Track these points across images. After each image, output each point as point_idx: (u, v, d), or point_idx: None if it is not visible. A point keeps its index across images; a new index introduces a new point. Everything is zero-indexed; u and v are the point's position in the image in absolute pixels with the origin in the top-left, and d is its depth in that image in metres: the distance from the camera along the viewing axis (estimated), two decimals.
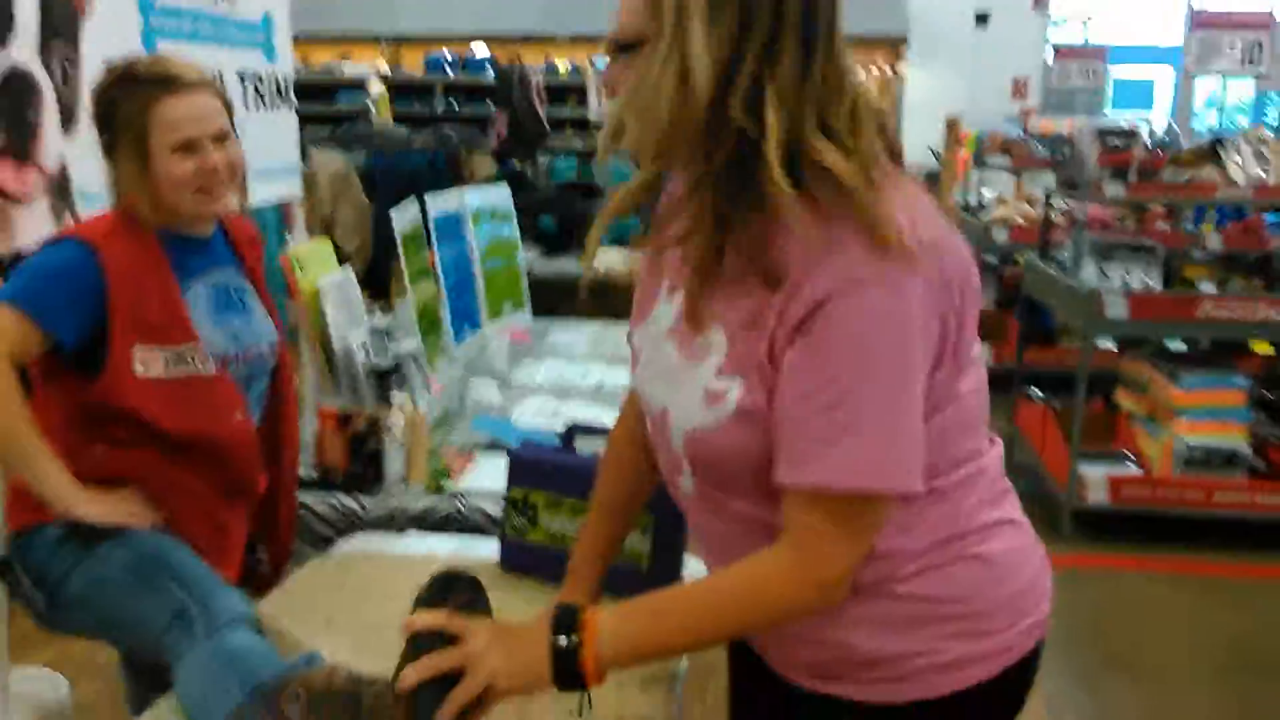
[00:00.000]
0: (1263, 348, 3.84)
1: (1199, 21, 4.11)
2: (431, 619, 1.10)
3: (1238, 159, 4.15)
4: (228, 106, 1.69)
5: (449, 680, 1.06)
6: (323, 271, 2.28)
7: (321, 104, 9.56)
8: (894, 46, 10.66)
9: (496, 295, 3.37)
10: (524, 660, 1.08)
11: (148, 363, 1.57)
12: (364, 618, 1.60)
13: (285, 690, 1.20)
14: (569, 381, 2.93)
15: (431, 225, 3.00)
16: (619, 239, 4.81)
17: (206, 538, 1.63)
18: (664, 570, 1.64)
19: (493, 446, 2.37)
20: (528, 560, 1.73)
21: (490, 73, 10.41)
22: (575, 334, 3.53)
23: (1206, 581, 3.79)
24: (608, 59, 1.13)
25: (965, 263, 1.08)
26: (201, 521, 1.64)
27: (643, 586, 1.36)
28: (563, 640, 1.08)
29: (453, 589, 1.14)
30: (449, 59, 10.38)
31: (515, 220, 3.63)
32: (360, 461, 2.13)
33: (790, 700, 1.25)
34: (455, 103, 10.29)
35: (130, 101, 1.59)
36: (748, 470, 1.10)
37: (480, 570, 1.72)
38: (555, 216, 5.32)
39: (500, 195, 3.55)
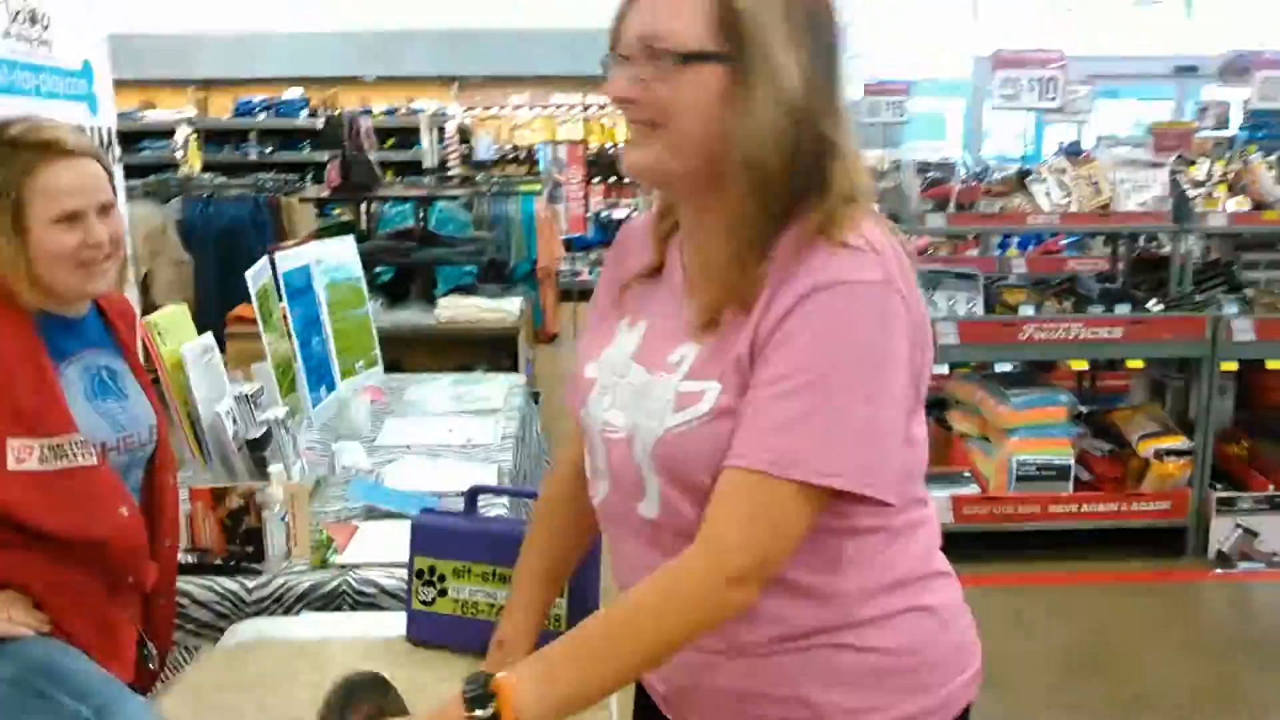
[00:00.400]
0: (1078, 365, 4.12)
1: (1000, 61, 4.40)
2: None
3: (1043, 188, 4.46)
4: (109, 174, 1.59)
5: None
6: (183, 338, 2.17)
7: (125, 153, 9.09)
8: None
9: (348, 352, 3.29)
10: None
11: (22, 456, 1.45)
12: (271, 713, 1.52)
13: None
14: (437, 439, 2.87)
15: (281, 282, 2.91)
16: (461, 287, 4.76)
17: (95, 639, 1.52)
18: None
19: (372, 514, 2.30)
20: (437, 631, 1.68)
21: (304, 115, 10.18)
22: (432, 388, 3.45)
23: (1042, 591, 4.03)
24: (627, 63, 1.10)
25: (925, 315, 1.13)
26: (88, 621, 1.53)
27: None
28: (479, 713, 1.02)
29: (353, 701, 1.08)
30: (259, 103, 10.06)
31: (361, 273, 3.55)
32: (238, 540, 2.03)
33: None
34: (269, 149, 9.98)
35: (4, 167, 1.48)
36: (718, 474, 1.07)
37: (386, 647, 1.70)
38: (393, 266, 5.20)
39: (345, 247, 3.46)
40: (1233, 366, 4.14)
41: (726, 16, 1.06)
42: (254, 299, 2.56)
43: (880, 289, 1.05)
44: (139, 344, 1.74)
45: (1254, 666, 3.48)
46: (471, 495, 1.74)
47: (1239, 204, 4.33)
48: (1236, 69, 8.14)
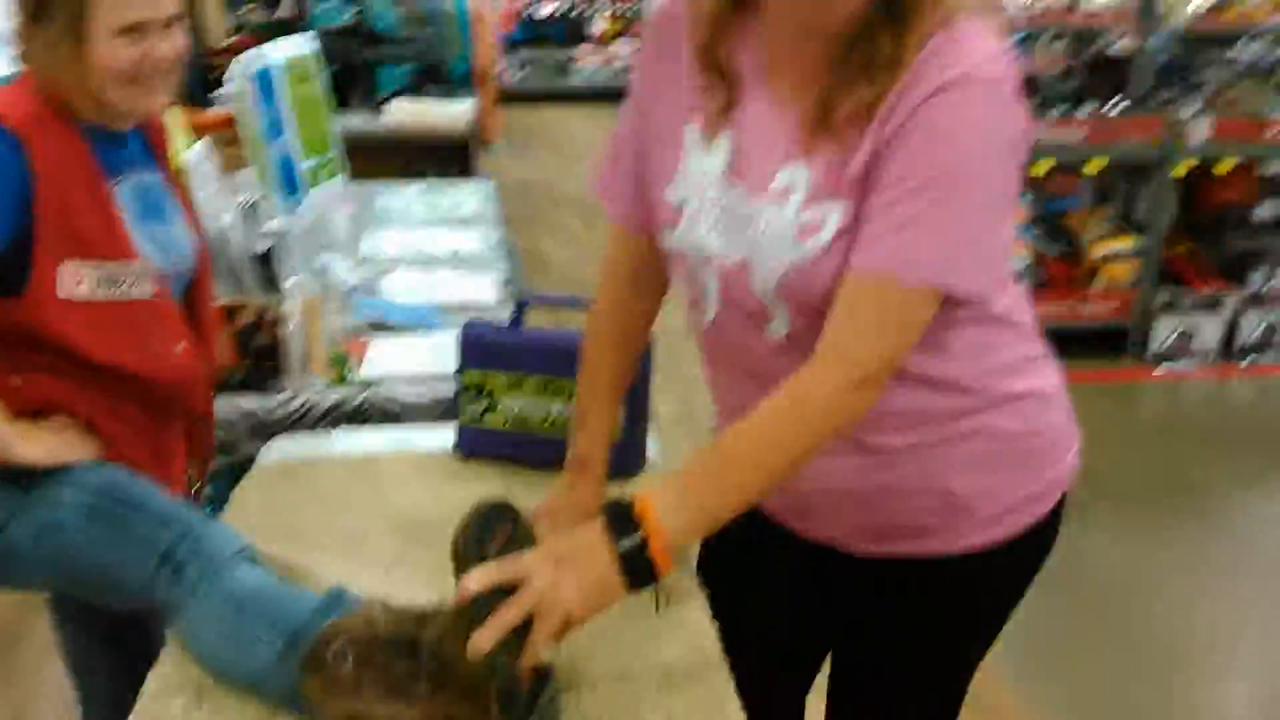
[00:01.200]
0: (1044, 166, 4.14)
1: None
2: (484, 578, 1.01)
3: None
4: None
5: (520, 628, 0.99)
6: (179, 144, 2.03)
7: None
8: None
9: (312, 160, 3.14)
10: (592, 579, 1.02)
11: (75, 282, 1.36)
12: (339, 529, 1.51)
13: (330, 645, 1.09)
14: (423, 250, 2.79)
15: (251, 84, 2.74)
16: (407, 89, 4.56)
17: (149, 464, 1.47)
18: (633, 437, 1.63)
19: (378, 328, 2.25)
20: (488, 446, 1.67)
21: None
22: (401, 197, 3.35)
23: None
24: None
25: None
26: (141, 447, 1.47)
27: (615, 455, 1.42)
28: (626, 543, 1.02)
29: (492, 526, 1.07)
30: None
31: (322, 74, 3.36)
32: (252, 357, 1.98)
33: (829, 572, 1.29)
34: None
35: None
36: None
37: (435, 462, 1.69)
38: (333, 67, 4.91)
39: (305, 46, 3.25)
40: (1184, 168, 4.20)
41: None
42: (234, 104, 2.40)
43: (1003, 90, 1.03)
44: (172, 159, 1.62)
45: (1195, 458, 3.69)
46: (519, 306, 1.70)
47: (1200, 4, 4.30)
48: None
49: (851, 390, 1.04)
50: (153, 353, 1.46)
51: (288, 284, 2.02)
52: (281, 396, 1.93)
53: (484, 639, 0.98)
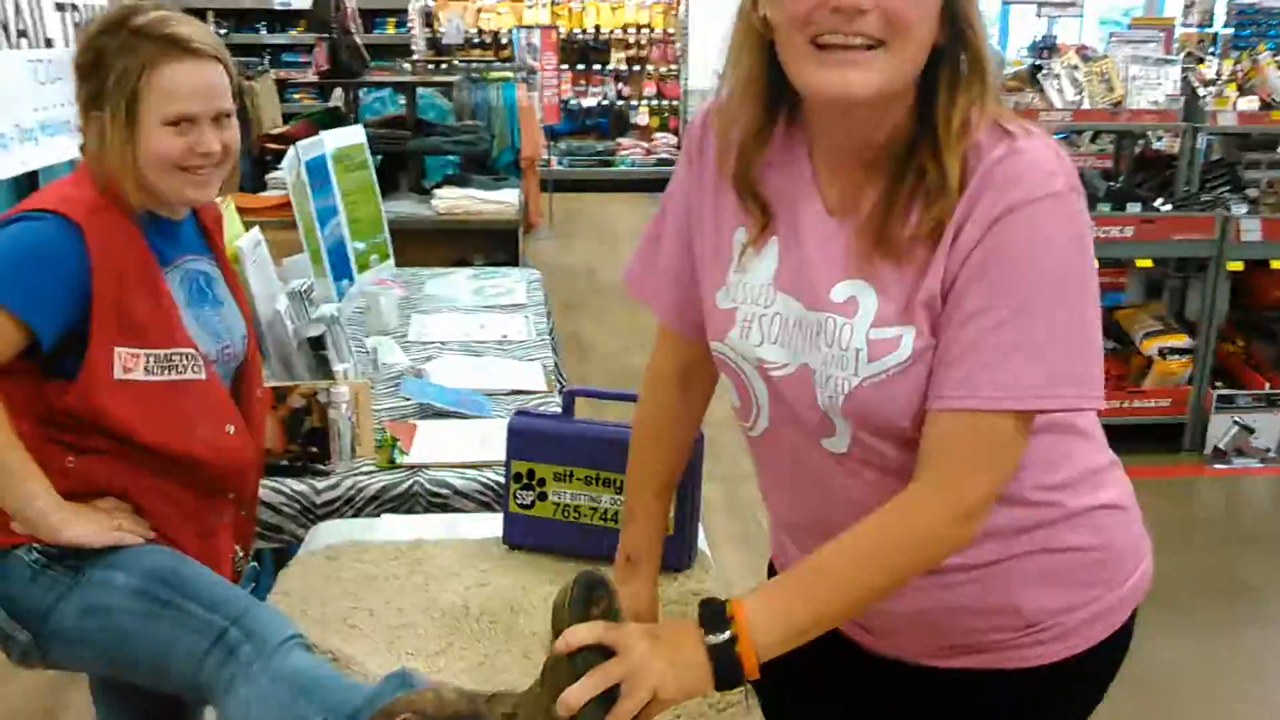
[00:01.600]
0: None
1: None
2: (588, 634, 1.01)
3: (1055, 84, 4.40)
4: (234, 83, 1.48)
5: (607, 696, 0.99)
6: (234, 232, 2.06)
7: None
8: None
9: (362, 246, 3.18)
10: (684, 663, 1.01)
11: (128, 365, 1.36)
12: (384, 616, 1.48)
13: (395, 716, 1.07)
14: (470, 335, 2.80)
15: (302, 173, 2.79)
16: (454, 177, 4.63)
17: (196, 547, 1.45)
18: (683, 533, 1.60)
19: (425, 412, 2.24)
20: (536, 535, 1.65)
21: None
22: (450, 283, 3.37)
23: None
24: None
25: None
26: (189, 530, 1.46)
27: (665, 550, 1.39)
28: (715, 638, 1.01)
29: (595, 595, 1.05)
30: None
31: (372, 163, 3.43)
32: (300, 441, 1.96)
33: (895, 684, 1.25)
34: (224, 30, 9.56)
35: (126, 56, 1.36)
36: (918, 415, 1.05)
37: (483, 549, 1.67)
38: (380, 156, 5.02)
39: (355, 135, 3.32)
40: (1239, 266, 4.16)
41: None
42: (289, 190, 2.44)
43: (1068, 200, 1.01)
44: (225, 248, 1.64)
45: (1250, 557, 3.58)
46: (569, 397, 1.69)
47: (1248, 103, 4.30)
48: None
49: (958, 522, 1.03)
50: (202, 436, 1.46)
51: (338, 368, 2.02)
52: (329, 480, 1.92)
53: (577, 694, 0.98)
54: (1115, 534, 1.18)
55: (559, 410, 1.70)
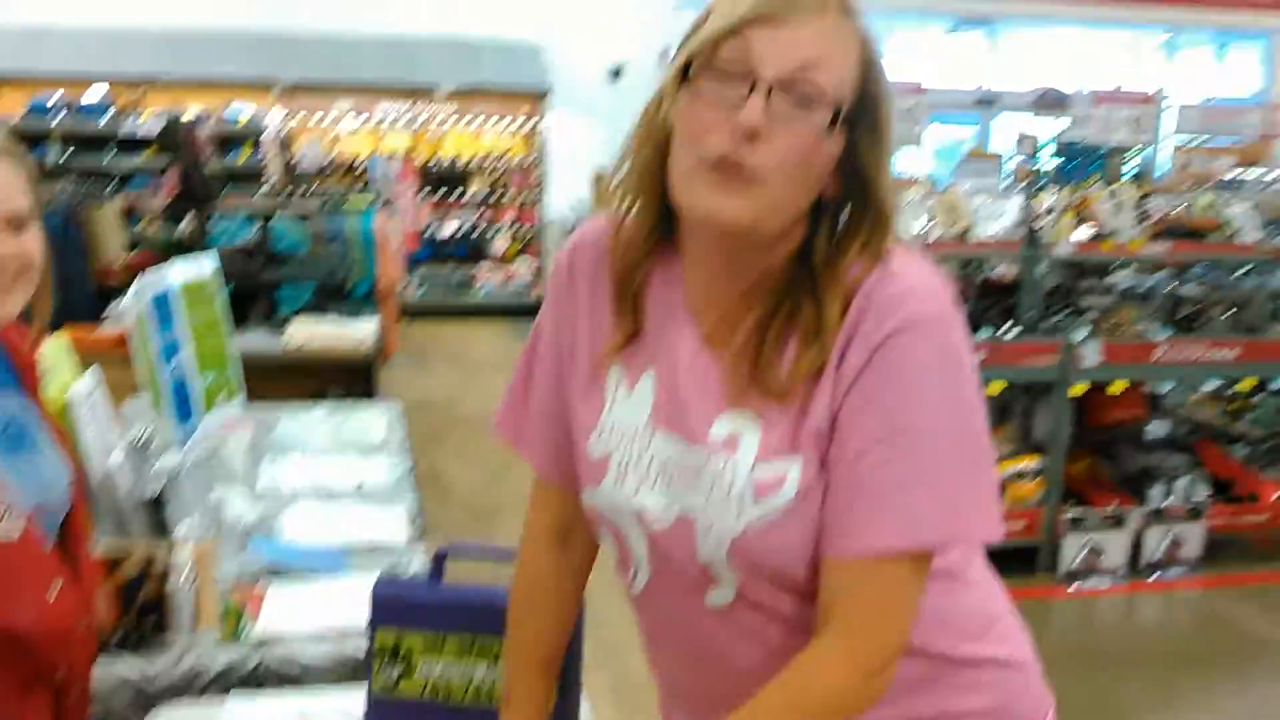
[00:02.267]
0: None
1: None
2: None
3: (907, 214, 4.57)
4: (31, 181, 1.32)
5: None
6: (67, 377, 1.90)
7: None
8: (536, 99, 10.86)
9: (209, 384, 3.01)
10: None
11: None
12: None
13: None
14: (326, 483, 2.65)
15: (147, 308, 2.64)
16: (308, 307, 4.48)
17: None
18: (564, 712, 1.49)
19: (277, 573, 2.08)
20: (403, 718, 1.51)
21: (108, 118, 9.50)
22: (302, 422, 3.21)
23: None
24: (759, 91, 0.96)
25: None
26: None
27: None
28: None
29: None
30: (57, 103, 9.31)
31: (222, 295, 3.29)
32: (135, 614, 1.79)
33: None
34: (69, 153, 9.25)
35: None
36: (811, 559, 1.00)
37: None
38: (232, 286, 4.84)
39: (206, 266, 3.19)
40: (1082, 388, 4.33)
41: (867, 87, 0.99)
42: (130, 328, 2.29)
43: (949, 322, 1.00)
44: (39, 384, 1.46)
45: (1112, 678, 3.63)
46: (438, 558, 1.57)
47: (1083, 233, 4.55)
48: (1048, 102, 8.68)
49: (868, 679, 0.97)
50: (22, 600, 1.28)
51: (179, 530, 1.87)
52: (167, 659, 1.74)
53: None
54: (1014, 694, 1.15)
55: (426, 568, 1.59)
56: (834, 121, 0.96)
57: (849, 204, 1.01)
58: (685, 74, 0.99)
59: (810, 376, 1.00)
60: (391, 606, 1.51)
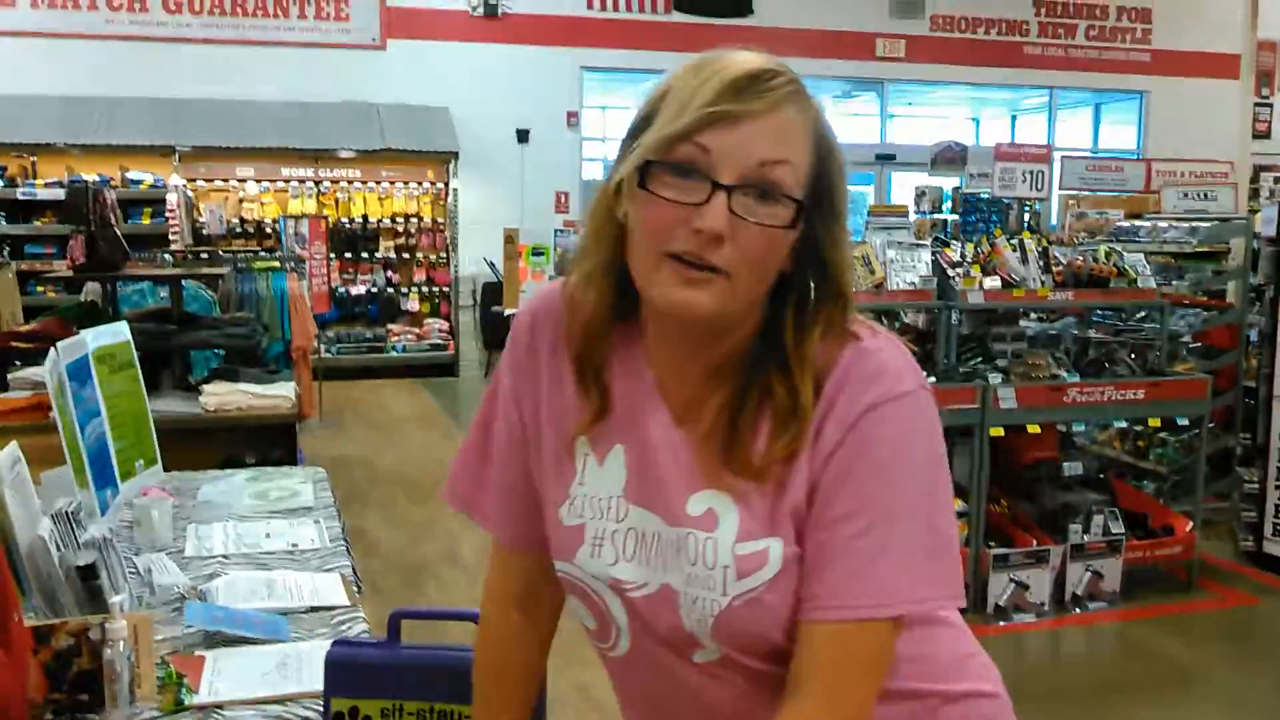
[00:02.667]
0: None
1: None
2: None
3: None
4: None
5: None
6: None
7: None
8: (444, 161, 10.86)
9: (126, 451, 2.91)
10: None
11: None
12: None
13: None
14: (258, 546, 2.56)
15: (63, 375, 2.55)
16: (219, 372, 4.39)
17: None
18: None
19: (213, 641, 1.99)
20: None
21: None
22: (227, 487, 3.11)
23: None
24: (721, 190, 0.96)
25: None
26: None
27: None
28: None
29: None
30: None
31: (138, 362, 3.20)
32: (69, 689, 1.69)
33: None
34: None
35: None
36: (790, 627, 1.01)
37: None
38: (142, 351, 4.69)
39: (119, 332, 3.10)
40: (999, 431, 4.44)
41: (824, 178, 1.01)
42: (51, 395, 2.20)
43: (921, 397, 1.03)
44: None
45: (1044, 711, 3.69)
46: (394, 621, 1.53)
47: (992, 282, 4.69)
48: (947, 157, 9.00)
49: None
50: None
51: (114, 600, 1.78)
52: None
53: None
54: None
55: (366, 628, 1.54)
56: (796, 215, 0.98)
57: (809, 281, 1.03)
58: (642, 173, 0.99)
59: (786, 456, 1.01)
60: (346, 672, 1.47)
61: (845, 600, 0.98)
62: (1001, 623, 4.38)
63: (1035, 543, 4.52)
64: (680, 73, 1.00)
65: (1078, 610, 4.50)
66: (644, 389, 1.08)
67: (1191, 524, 4.79)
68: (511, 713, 1.25)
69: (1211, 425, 5.18)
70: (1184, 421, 5.23)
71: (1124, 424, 5.57)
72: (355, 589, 2.35)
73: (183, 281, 5.71)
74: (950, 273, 4.68)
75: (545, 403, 1.14)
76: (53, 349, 2.37)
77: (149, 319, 4.81)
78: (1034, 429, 4.52)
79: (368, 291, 10.86)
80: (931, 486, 1.01)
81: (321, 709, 1.52)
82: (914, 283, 4.60)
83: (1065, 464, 4.70)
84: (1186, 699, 3.92)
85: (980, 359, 4.82)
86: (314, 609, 2.17)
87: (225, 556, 2.49)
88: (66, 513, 1.89)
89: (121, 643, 1.72)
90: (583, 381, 1.10)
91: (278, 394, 4.51)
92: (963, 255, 4.82)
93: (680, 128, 0.96)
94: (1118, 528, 4.66)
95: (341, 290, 10.58)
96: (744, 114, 0.95)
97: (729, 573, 1.01)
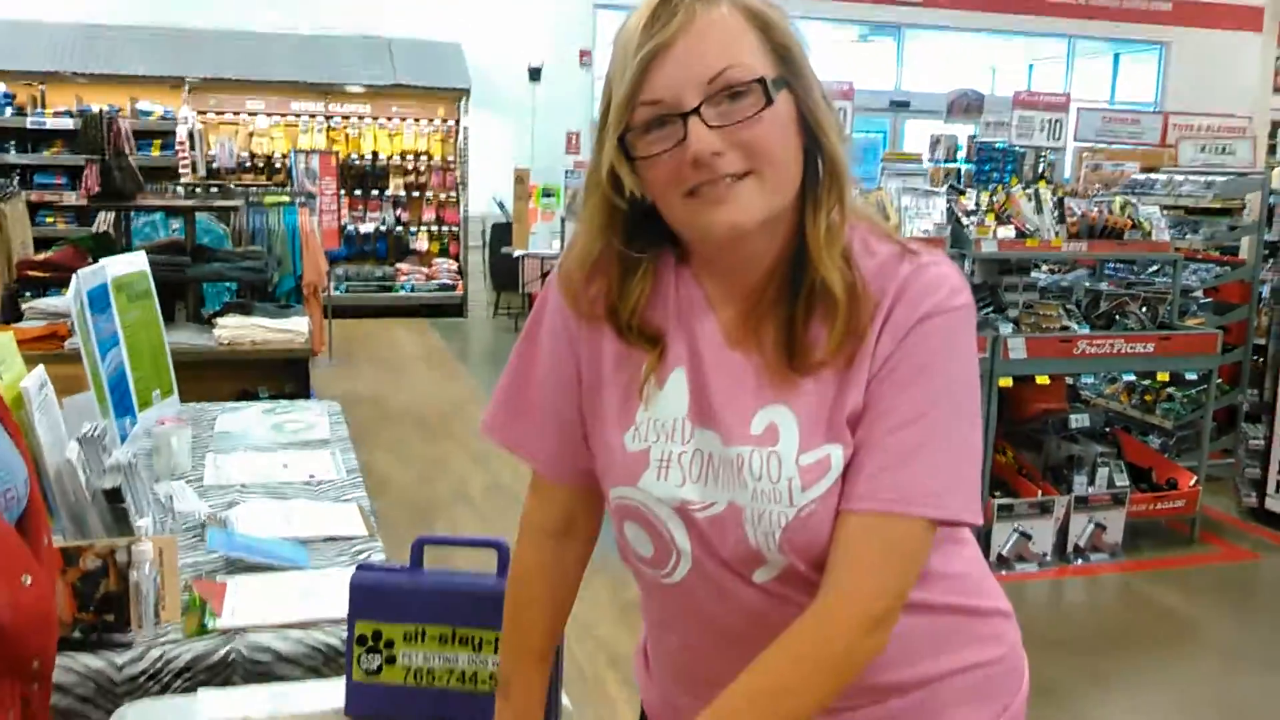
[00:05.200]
0: None
1: None
2: None
3: None
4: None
5: None
6: (14, 371, 1.83)
7: None
8: (455, 99, 10.77)
9: (144, 381, 2.94)
10: None
11: None
12: None
13: None
14: (274, 477, 2.59)
15: (85, 303, 2.56)
16: (233, 306, 4.41)
17: None
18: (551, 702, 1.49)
19: (234, 566, 2.03)
20: (385, 704, 1.50)
21: (8, 113, 9.17)
22: (243, 419, 3.14)
23: None
24: (692, 117, 1.00)
25: None
26: None
27: None
28: None
29: None
30: None
31: (155, 292, 3.21)
32: (96, 609, 1.73)
33: None
34: None
35: None
36: None
37: None
38: (156, 283, 4.71)
39: (137, 262, 3.11)
40: (1008, 382, 4.45)
41: (775, 43, 1.03)
42: (74, 323, 2.22)
43: (969, 313, 1.06)
44: None
45: (1043, 660, 3.75)
46: (417, 547, 1.56)
47: (1006, 231, 4.67)
48: (963, 105, 8.91)
49: (866, 633, 1.01)
50: None
51: (139, 523, 1.81)
52: (132, 653, 1.69)
53: None
54: (1010, 640, 1.21)
55: (384, 558, 1.56)
56: (766, 92, 1.00)
57: (816, 160, 1.06)
58: (626, 149, 1.03)
59: (842, 360, 1.04)
60: (370, 596, 1.50)
61: (872, 493, 1.01)
62: (1004, 572, 4.43)
63: (1040, 493, 4.55)
64: (612, 50, 1.05)
65: (1080, 561, 4.55)
66: (697, 315, 1.12)
67: (1195, 479, 4.82)
68: (541, 640, 1.28)
69: (1219, 381, 5.19)
70: (1192, 376, 5.24)
71: (1132, 377, 5.58)
72: (372, 519, 2.38)
73: (195, 214, 5.71)
74: (965, 221, 4.66)
75: (596, 350, 1.16)
76: (75, 277, 2.38)
77: (163, 250, 4.82)
78: (1043, 380, 4.53)
79: (376, 230, 10.84)
80: (968, 400, 1.05)
81: (345, 634, 1.55)
82: (928, 230, 4.58)
83: (1072, 416, 4.72)
84: (1185, 651, 3.97)
85: (991, 308, 4.82)
86: (331, 539, 2.20)
87: (244, 485, 2.52)
88: (94, 436, 1.91)
89: (147, 565, 1.75)
90: (627, 335, 1.13)
91: (291, 329, 4.53)
92: (978, 204, 4.80)
93: (628, 88, 1.01)
94: (1122, 481, 4.69)
95: (350, 228, 10.56)
96: (670, 39, 0.99)
97: (794, 484, 1.03)
